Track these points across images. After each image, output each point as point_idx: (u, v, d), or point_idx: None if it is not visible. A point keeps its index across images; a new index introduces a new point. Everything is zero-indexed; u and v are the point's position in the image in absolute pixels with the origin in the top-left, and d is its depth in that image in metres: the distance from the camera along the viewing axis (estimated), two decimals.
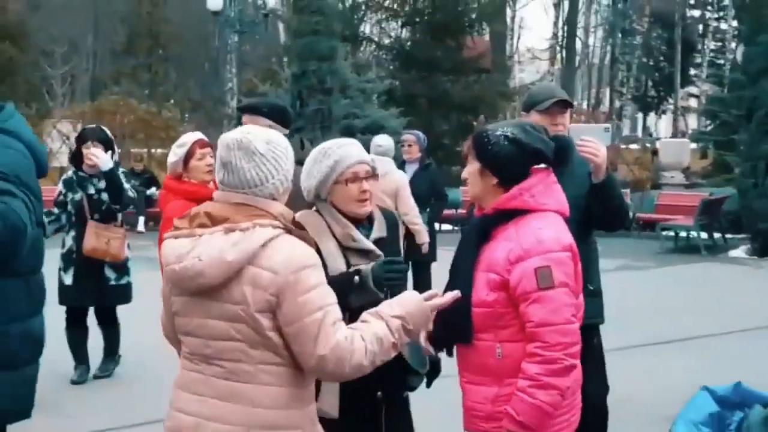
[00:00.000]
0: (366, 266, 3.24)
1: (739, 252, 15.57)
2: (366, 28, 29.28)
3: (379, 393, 3.32)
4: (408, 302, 2.79)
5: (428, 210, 9.12)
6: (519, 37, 50.91)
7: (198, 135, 5.31)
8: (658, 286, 12.21)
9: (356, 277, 3.19)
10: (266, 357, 2.64)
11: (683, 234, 16.43)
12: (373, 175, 3.39)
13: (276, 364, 2.65)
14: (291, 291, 2.58)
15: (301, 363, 2.66)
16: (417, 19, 25.56)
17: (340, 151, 3.35)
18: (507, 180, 3.17)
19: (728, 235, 16.60)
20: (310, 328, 2.59)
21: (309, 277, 2.61)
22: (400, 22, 26.89)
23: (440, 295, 2.88)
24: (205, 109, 32.82)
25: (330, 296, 2.67)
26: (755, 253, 15.16)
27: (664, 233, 16.46)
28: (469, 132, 22.54)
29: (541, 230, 3.10)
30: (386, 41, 27.49)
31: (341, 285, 3.02)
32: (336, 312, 2.66)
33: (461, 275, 3.22)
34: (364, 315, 2.77)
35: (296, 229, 2.71)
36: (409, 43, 25.97)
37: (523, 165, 3.17)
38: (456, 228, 16.97)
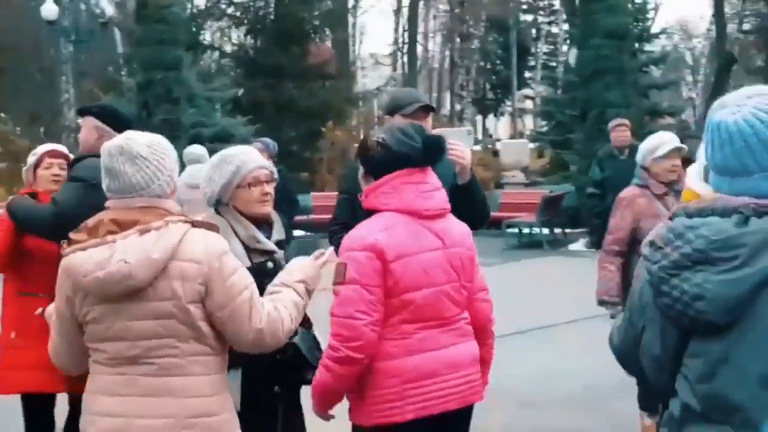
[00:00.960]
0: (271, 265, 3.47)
1: (579, 245, 16.33)
2: (208, 36, 29.07)
3: (276, 387, 3.50)
4: (304, 266, 3.12)
5: (282, 216, 9.25)
6: (361, 44, 51.55)
7: (53, 146, 5.25)
8: (505, 281, 12.67)
9: (270, 263, 3.42)
10: (196, 348, 2.78)
11: (526, 230, 17.11)
12: (272, 179, 3.60)
13: (205, 354, 2.80)
14: (218, 277, 2.75)
15: (237, 342, 2.84)
16: (260, 27, 25.56)
17: (241, 157, 3.54)
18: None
19: (568, 230, 17.36)
20: (242, 307, 2.79)
21: (229, 261, 2.81)
22: (244, 30, 26.81)
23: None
24: (43, 121, 31.77)
25: (249, 276, 2.90)
26: (593, 246, 15.89)
27: (509, 230, 17.13)
28: (316, 138, 22.85)
29: (357, 229, 3.34)
30: (229, 49, 27.36)
31: (256, 272, 3.18)
32: (257, 289, 2.89)
33: None
34: (271, 287, 3.02)
35: (198, 221, 2.88)
36: (253, 51, 25.93)
37: (392, 168, 3.37)
38: (308, 234, 17.09)
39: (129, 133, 2.91)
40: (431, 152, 3.44)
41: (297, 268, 3.12)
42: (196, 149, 9.29)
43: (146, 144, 2.83)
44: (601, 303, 5.56)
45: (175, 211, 2.84)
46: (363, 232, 3.31)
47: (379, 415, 3.30)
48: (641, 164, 5.44)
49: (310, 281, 3.12)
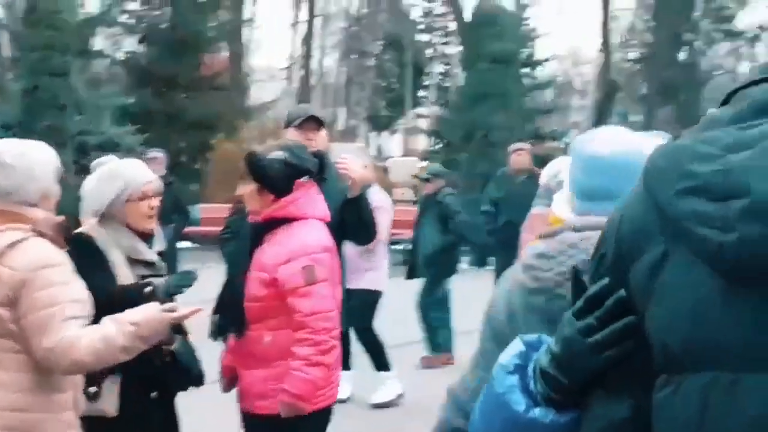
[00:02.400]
0: (160, 280, 3.57)
1: (462, 263, 16.69)
2: (99, 43, 28.59)
3: (153, 393, 3.63)
4: (148, 312, 3.10)
5: (173, 226, 9.27)
6: (257, 56, 51.39)
7: None
8: (390, 297, 12.95)
9: (147, 288, 3.51)
10: (8, 345, 2.90)
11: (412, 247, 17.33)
12: (159, 193, 3.76)
13: (16, 351, 2.92)
14: (27, 287, 2.86)
15: (31, 353, 2.92)
16: (154, 35, 25.27)
17: (130, 171, 3.69)
18: (281, 195, 3.70)
19: None
20: (39, 322, 2.87)
21: (48, 276, 2.90)
22: (137, 38, 26.46)
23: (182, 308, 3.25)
24: None
25: (70, 295, 2.95)
26: (476, 263, 16.34)
27: (394, 247, 17.34)
28: (207, 150, 22.67)
29: (305, 235, 3.68)
30: (121, 56, 26.96)
31: (132, 293, 3.38)
32: (72, 310, 2.93)
33: (238, 275, 3.78)
34: (105, 318, 3.05)
35: (50, 233, 2.97)
36: (145, 60, 25.61)
37: (290, 182, 3.72)
38: (195, 245, 17.00)
39: (1, 142, 3.05)
40: (324, 165, 3.91)
41: (141, 310, 3.11)
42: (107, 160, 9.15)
43: (17, 153, 2.96)
44: None
45: (36, 219, 2.95)
46: (315, 236, 3.72)
47: (320, 401, 3.72)
48: (547, 186, 5.70)
49: (145, 326, 3.04)
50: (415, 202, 22.18)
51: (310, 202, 3.79)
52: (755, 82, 1.25)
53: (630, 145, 2.14)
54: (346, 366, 7.57)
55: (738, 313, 1.14)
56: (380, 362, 7.63)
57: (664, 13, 39.33)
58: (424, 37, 47.26)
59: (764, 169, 1.09)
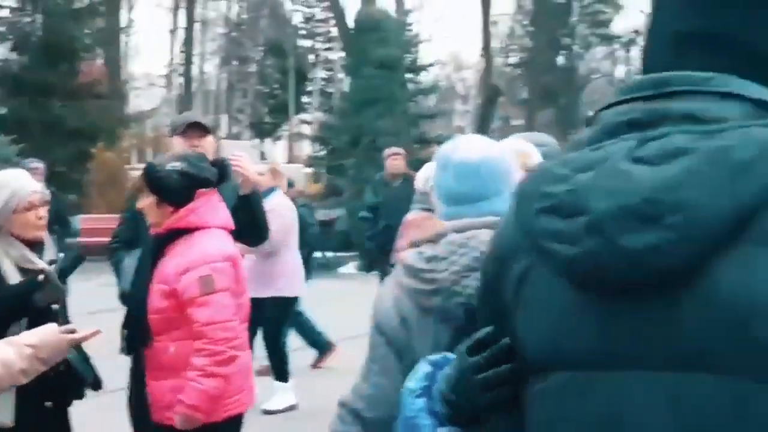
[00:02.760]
0: (50, 267, 3.55)
1: (350, 268, 16.73)
2: None
3: (48, 403, 3.55)
4: (45, 333, 3.02)
5: (55, 237, 9.00)
6: (135, 63, 50.47)
7: None
8: None
9: (41, 275, 3.46)
10: None
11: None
12: (46, 202, 3.67)
13: None
14: None
15: None
16: (27, 43, 24.50)
17: (16, 182, 3.61)
18: (181, 206, 3.66)
19: (340, 253, 17.73)
20: None
21: None
22: (8, 46, 25.59)
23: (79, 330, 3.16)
24: None
25: None
26: (363, 268, 16.38)
27: None
28: (86, 159, 22.11)
29: (204, 244, 3.64)
30: None
31: (27, 285, 3.37)
32: None
33: (140, 288, 3.76)
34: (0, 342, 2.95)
35: None
36: (18, 68, 24.79)
37: (190, 192, 3.68)
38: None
39: None
40: (224, 173, 3.88)
41: (38, 332, 3.05)
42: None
43: None
44: None
45: None
46: (216, 245, 3.69)
47: (227, 409, 3.70)
48: (422, 190, 5.69)
49: (43, 348, 2.97)
50: None
51: (211, 211, 3.75)
52: (610, 105, 1.36)
53: (494, 151, 2.33)
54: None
55: (588, 321, 1.28)
56: (281, 372, 7.56)
57: (542, 19, 40.39)
58: (306, 43, 47.31)
59: (601, 189, 1.23)
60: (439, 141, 22.30)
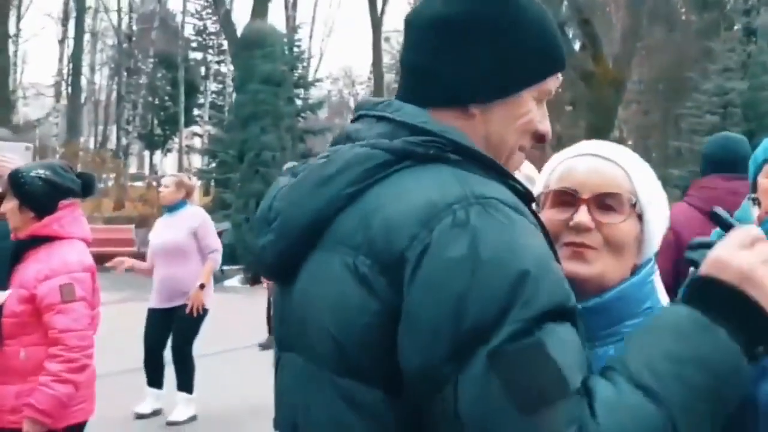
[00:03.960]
0: None
1: (235, 281, 16.74)
2: None
3: None
4: None
5: None
6: (23, 72, 49.21)
7: None
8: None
9: None
10: None
11: None
12: None
13: None
14: None
15: None
16: None
17: None
18: (41, 213, 3.75)
19: (225, 267, 17.70)
20: None
21: None
22: None
23: None
24: None
25: None
26: (248, 282, 16.42)
27: None
28: None
29: (66, 254, 3.74)
30: None
31: None
32: None
33: None
34: None
35: None
36: None
37: (54, 200, 3.77)
38: None
39: None
40: (89, 186, 3.95)
41: None
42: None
43: None
44: None
45: None
46: (76, 256, 3.77)
47: (73, 416, 3.76)
48: None
49: None
50: None
51: (74, 222, 3.86)
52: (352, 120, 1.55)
53: None
54: (158, 385, 7.61)
55: (278, 307, 1.53)
56: (187, 383, 7.54)
57: None
58: (197, 55, 46.94)
59: (284, 194, 1.46)
60: None
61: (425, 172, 1.34)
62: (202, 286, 7.34)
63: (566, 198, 1.62)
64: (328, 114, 49.12)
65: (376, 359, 1.29)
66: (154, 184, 29.65)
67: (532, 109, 1.50)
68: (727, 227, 1.38)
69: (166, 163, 50.35)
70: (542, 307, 1.20)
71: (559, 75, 1.55)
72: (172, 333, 7.47)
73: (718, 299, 1.26)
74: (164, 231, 7.48)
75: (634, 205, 1.62)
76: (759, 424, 1.45)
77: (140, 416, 7.51)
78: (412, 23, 1.53)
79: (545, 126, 1.53)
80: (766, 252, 1.29)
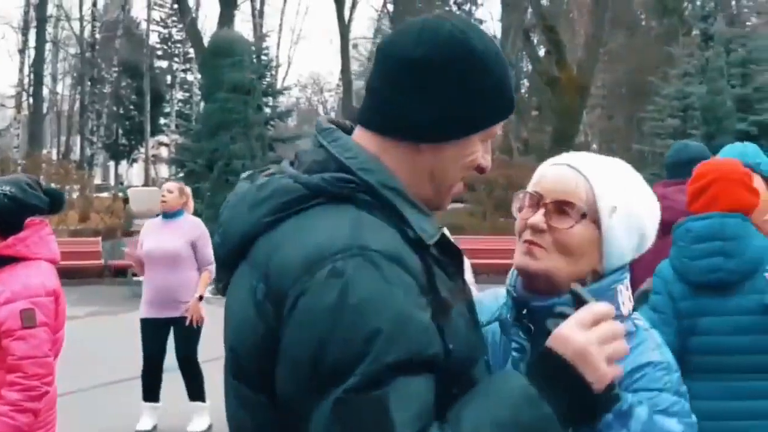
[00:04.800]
0: None
1: (206, 292, 16.68)
2: None
3: None
4: None
5: None
6: None
7: None
8: (129, 329, 12.83)
9: None
10: None
11: None
12: None
13: None
14: None
15: None
16: None
17: None
18: (6, 232, 3.62)
19: None
20: None
21: None
22: None
23: None
24: None
25: None
26: (219, 292, 16.37)
27: (135, 278, 17.10)
28: None
29: (29, 276, 3.60)
30: None
31: None
32: None
33: None
34: None
35: None
36: None
37: (20, 218, 3.64)
38: None
39: None
40: (57, 203, 3.85)
41: None
42: None
43: None
44: None
45: None
46: (39, 279, 3.61)
47: None
48: None
49: None
50: None
51: (40, 242, 3.72)
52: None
53: None
54: (154, 398, 7.51)
55: None
56: (199, 392, 7.50)
57: None
58: (163, 64, 46.76)
59: (230, 205, 1.60)
60: None
61: (330, 213, 1.48)
62: (200, 298, 7.31)
63: (533, 201, 1.81)
64: (297, 121, 49.14)
65: (261, 372, 1.45)
66: (120, 195, 29.46)
67: (478, 150, 1.61)
68: (581, 303, 1.52)
69: (132, 173, 50.08)
70: (393, 360, 1.34)
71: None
72: (175, 345, 7.39)
73: (554, 373, 1.43)
74: (162, 237, 7.35)
75: (584, 215, 1.76)
76: None
77: None
78: (383, 52, 1.62)
79: (486, 161, 1.64)
80: (604, 333, 1.46)
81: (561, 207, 1.78)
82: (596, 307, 1.50)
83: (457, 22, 1.60)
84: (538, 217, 1.77)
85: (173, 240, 7.31)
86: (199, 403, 7.49)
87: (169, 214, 7.49)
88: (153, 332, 7.37)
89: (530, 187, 1.84)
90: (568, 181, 1.80)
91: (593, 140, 38.23)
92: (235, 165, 16.55)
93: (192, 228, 7.47)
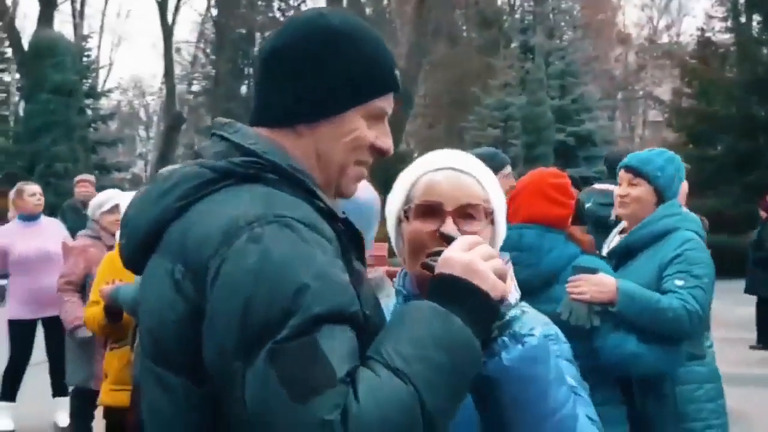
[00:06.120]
0: None
1: None
2: None
3: None
4: None
5: None
6: None
7: None
8: None
9: None
10: None
11: None
12: None
13: None
14: None
15: None
16: None
17: None
18: None
19: None
20: None
21: None
22: None
23: None
24: None
25: None
26: None
27: None
28: None
29: None
30: None
31: None
32: None
33: None
34: None
35: None
36: None
37: None
38: None
39: None
40: None
41: None
42: None
43: None
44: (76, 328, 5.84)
45: None
46: None
47: None
48: (92, 217, 6.00)
49: None
50: None
51: None
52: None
53: (373, 192, 2.57)
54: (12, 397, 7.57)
55: None
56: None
57: (225, 48, 40.94)
58: None
59: (134, 203, 1.64)
60: (119, 168, 22.25)
61: (240, 191, 1.52)
62: None
63: (431, 210, 1.84)
64: (119, 125, 47.98)
65: (181, 352, 1.48)
66: None
67: (360, 127, 1.63)
68: (450, 240, 1.61)
69: None
70: (320, 311, 1.38)
71: (391, 95, 1.69)
72: (54, 342, 7.39)
73: (451, 290, 1.50)
74: (37, 239, 7.45)
75: (490, 213, 1.86)
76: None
77: None
78: (258, 55, 1.72)
79: (383, 142, 1.67)
80: (484, 251, 1.55)
81: (465, 211, 1.83)
82: (468, 237, 1.58)
83: (324, 9, 1.68)
84: (450, 227, 1.79)
85: (49, 240, 7.38)
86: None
87: (33, 217, 7.56)
88: (22, 333, 7.49)
89: (421, 197, 1.86)
90: (465, 185, 1.85)
91: (415, 149, 39.09)
92: (57, 168, 16.21)
93: (59, 227, 7.64)
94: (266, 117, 1.65)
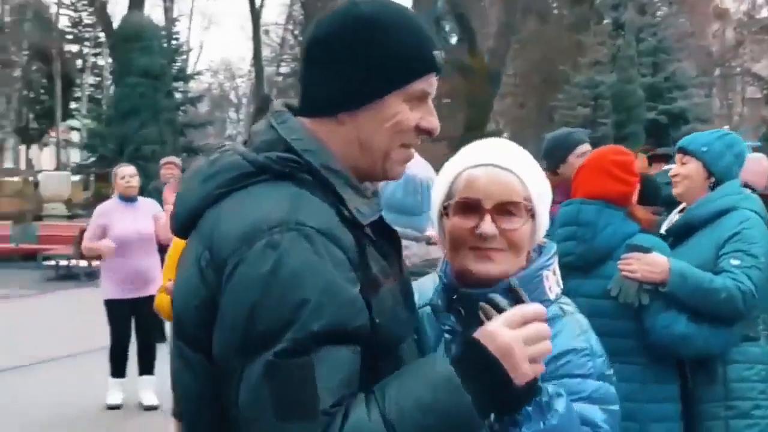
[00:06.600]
0: None
1: None
2: None
3: None
4: None
5: None
6: None
7: None
8: (40, 312, 12.81)
9: None
10: None
11: (64, 262, 17.07)
12: None
13: None
14: None
15: None
16: None
17: None
18: None
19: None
20: None
21: None
22: None
23: None
24: None
25: None
26: None
27: (45, 263, 16.98)
28: None
29: None
30: None
31: None
32: None
33: None
34: None
35: None
36: None
37: None
38: None
39: None
40: None
41: None
42: None
43: None
44: None
45: None
46: None
47: None
48: None
49: None
50: (69, 217, 21.81)
51: None
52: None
53: (432, 171, 2.73)
54: (123, 373, 7.83)
55: None
56: (151, 366, 7.88)
57: None
58: (73, 48, 45.87)
59: (186, 179, 1.73)
60: (207, 150, 22.51)
61: (272, 190, 1.59)
62: None
63: (470, 206, 1.86)
64: (210, 107, 48.77)
65: (198, 333, 1.58)
66: (30, 179, 28.99)
67: (401, 111, 1.66)
68: (517, 299, 1.60)
69: (43, 157, 49.12)
70: (318, 329, 1.46)
71: (432, 76, 1.71)
72: (143, 322, 7.67)
73: (477, 364, 1.51)
74: (133, 220, 7.57)
75: (530, 209, 1.86)
76: None
77: (113, 407, 7.72)
78: (303, 42, 1.77)
79: (428, 122, 1.70)
80: (530, 333, 1.53)
81: (505, 208, 1.85)
82: (527, 308, 1.57)
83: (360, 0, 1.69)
84: (488, 226, 1.83)
85: (144, 222, 7.56)
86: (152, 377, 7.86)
87: (129, 198, 7.69)
88: (125, 314, 7.64)
89: (461, 194, 1.89)
90: (504, 182, 1.86)
91: (505, 128, 38.80)
92: (145, 150, 16.54)
93: (152, 207, 7.77)
94: (309, 107, 1.69)
